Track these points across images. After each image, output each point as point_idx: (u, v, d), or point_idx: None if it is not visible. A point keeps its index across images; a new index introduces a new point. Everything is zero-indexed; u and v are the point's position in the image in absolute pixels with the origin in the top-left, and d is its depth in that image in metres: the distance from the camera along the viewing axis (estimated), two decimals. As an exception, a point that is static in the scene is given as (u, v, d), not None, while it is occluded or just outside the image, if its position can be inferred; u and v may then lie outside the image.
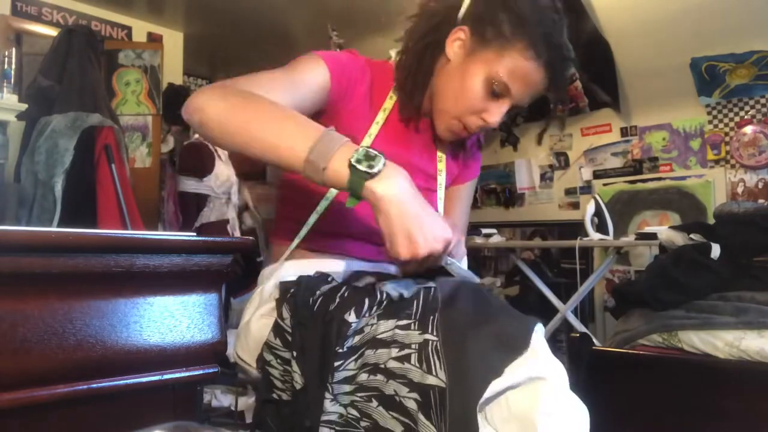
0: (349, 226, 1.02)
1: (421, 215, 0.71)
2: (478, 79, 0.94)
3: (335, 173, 0.72)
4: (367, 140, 1.01)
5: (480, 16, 0.95)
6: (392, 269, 1.01)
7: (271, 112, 0.77)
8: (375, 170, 0.70)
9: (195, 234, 0.71)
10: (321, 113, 0.97)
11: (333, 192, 1.00)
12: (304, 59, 0.95)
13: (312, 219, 1.02)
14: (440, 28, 0.99)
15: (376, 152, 0.72)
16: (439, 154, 1.12)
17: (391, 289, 0.78)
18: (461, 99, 0.96)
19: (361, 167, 0.70)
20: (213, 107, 0.77)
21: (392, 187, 0.71)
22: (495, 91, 0.94)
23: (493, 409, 0.68)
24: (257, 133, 0.75)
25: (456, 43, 0.98)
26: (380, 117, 1.04)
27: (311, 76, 0.92)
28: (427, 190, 1.09)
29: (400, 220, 0.70)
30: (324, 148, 0.72)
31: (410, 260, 0.73)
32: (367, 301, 0.77)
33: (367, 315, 0.75)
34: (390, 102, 1.05)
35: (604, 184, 4.36)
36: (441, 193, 1.11)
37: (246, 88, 0.81)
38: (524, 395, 0.67)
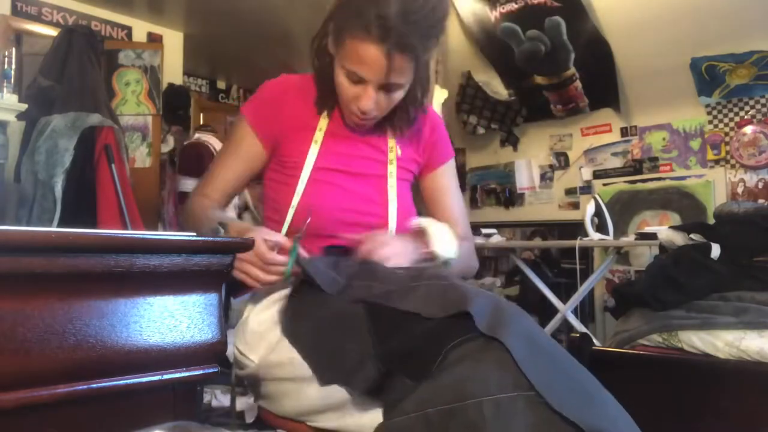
0: (325, 227, 1.06)
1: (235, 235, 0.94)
2: (339, 72, 1.02)
3: None
4: (314, 147, 1.11)
5: (331, 13, 1.04)
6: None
7: (195, 221, 1.10)
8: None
9: (195, 234, 0.71)
10: (272, 152, 1.14)
11: (296, 200, 1.08)
12: (236, 128, 1.17)
13: (286, 224, 1.09)
14: (324, 31, 1.07)
15: (220, 227, 0.97)
16: (390, 144, 1.18)
17: None
18: (339, 92, 1.06)
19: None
20: (182, 220, 1.19)
21: None
22: (353, 80, 1.01)
23: None
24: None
25: (331, 42, 1.05)
26: (322, 123, 1.13)
27: (243, 146, 1.15)
28: (381, 177, 1.16)
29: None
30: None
31: (240, 262, 0.90)
32: None
33: None
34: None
35: (604, 184, 4.36)
36: (392, 180, 1.16)
37: (207, 176, 1.19)
38: None
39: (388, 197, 1.14)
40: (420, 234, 1.07)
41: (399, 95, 1.05)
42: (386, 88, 1.01)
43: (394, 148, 1.17)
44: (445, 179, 1.27)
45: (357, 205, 1.10)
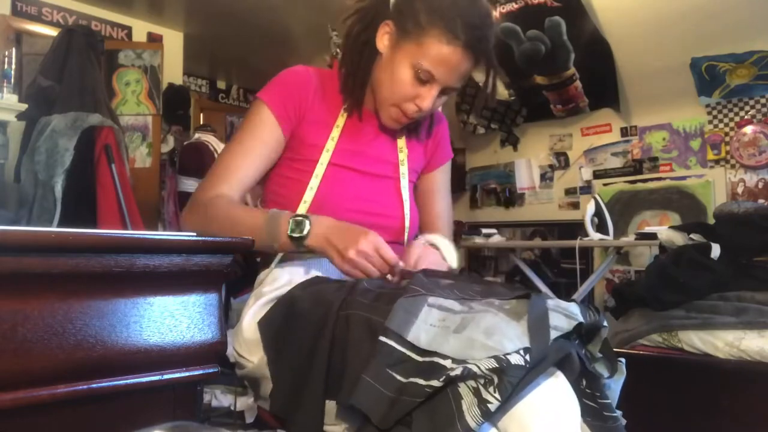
0: None
1: (348, 229, 0.93)
2: (405, 69, 1.01)
3: (286, 246, 0.96)
4: (331, 143, 1.09)
5: (400, 8, 1.03)
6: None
7: (229, 225, 1.00)
8: (305, 232, 0.93)
9: (195, 234, 0.71)
10: (288, 142, 1.10)
11: (311, 195, 1.07)
12: (253, 114, 1.09)
13: None
14: (371, 25, 1.06)
15: (302, 217, 0.94)
16: (399, 144, 1.18)
17: None
18: (394, 88, 1.03)
19: (295, 235, 0.93)
20: (190, 226, 1.03)
21: (319, 237, 0.93)
22: (421, 78, 1.01)
23: None
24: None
25: (384, 37, 1.05)
26: (340, 121, 1.12)
27: (263, 133, 1.08)
28: (393, 179, 1.16)
29: (335, 242, 0.92)
30: (271, 232, 0.95)
31: (354, 269, 0.90)
32: None
33: None
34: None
35: (604, 184, 4.36)
36: (404, 181, 1.16)
37: (219, 171, 1.06)
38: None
39: (402, 199, 1.15)
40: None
41: (445, 100, 1.08)
42: (446, 90, 1.04)
43: (404, 149, 1.18)
44: (440, 181, 1.27)
45: (372, 207, 1.10)
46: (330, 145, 1.09)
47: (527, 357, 0.66)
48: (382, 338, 0.72)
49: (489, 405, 0.63)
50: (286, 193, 1.10)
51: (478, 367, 0.65)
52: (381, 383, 0.69)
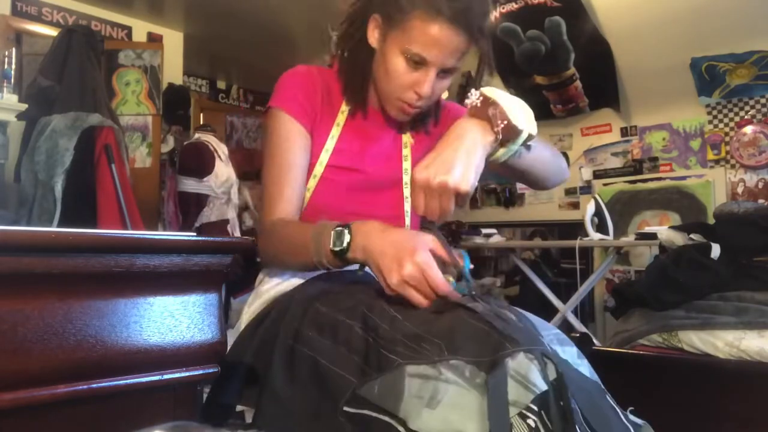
0: None
1: (391, 244, 0.82)
2: (396, 58, 0.99)
3: (331, 262, 0.89)
4: (330, 142, 1.08)
5: (365, 7, 1.04)
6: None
7: (286, 247, 0.99)
8: (345, 244, 0.86)
9: (195, 234, 0.71)
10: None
11: (308, 195, 1.07)
12: (277, 125, 1.07)
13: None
14: (362, 23, 1.05)
15: (342, 228, 0.88)
16: (404, 140, 1.16)
17: None
18: (391, 80, 1.01)
19: (337, 248, 0.87)
20: (263, 256, 1.07)
21: (360, 246, 0.86)
22: (414, 64, 0.98)
23: None
24: (288, 263, 1.02)
25: (374, 31, 1.03)
26: (340, 119, 1.11)
27: (295, 143, 1.06)
28: (395, 180, 1.14)
29: (377, 261, 0.83)
30: (317, 249, 0.90)
31: (403, 284, 0.80)
32: None
33: None
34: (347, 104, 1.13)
35: (604, 184, 4.36)
36: (407, 178, 1.14)
37: (272, 194, 1.05)
38: None
39: (404, 201, 1.14)
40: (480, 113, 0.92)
41: (447, 83, 1.04)
42: (443, 73, 1.00)
43: (408, 144, 1.16)
44: None
45: (370, 211, 1.08)
46: (330, 144, 1.09)
47: None
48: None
49: None
50: None
51: None
52: None
